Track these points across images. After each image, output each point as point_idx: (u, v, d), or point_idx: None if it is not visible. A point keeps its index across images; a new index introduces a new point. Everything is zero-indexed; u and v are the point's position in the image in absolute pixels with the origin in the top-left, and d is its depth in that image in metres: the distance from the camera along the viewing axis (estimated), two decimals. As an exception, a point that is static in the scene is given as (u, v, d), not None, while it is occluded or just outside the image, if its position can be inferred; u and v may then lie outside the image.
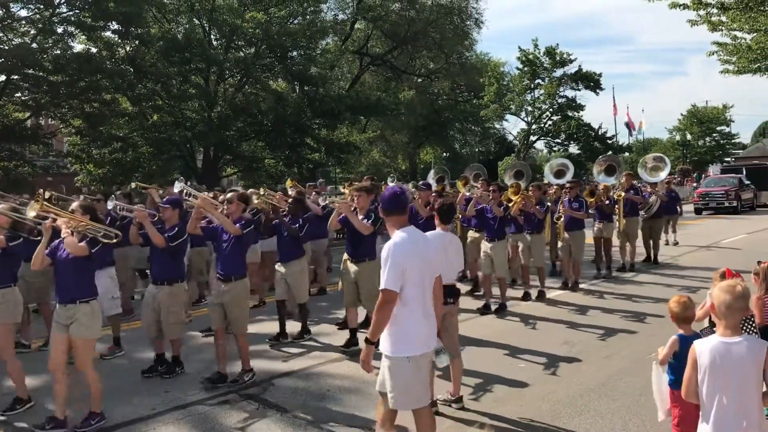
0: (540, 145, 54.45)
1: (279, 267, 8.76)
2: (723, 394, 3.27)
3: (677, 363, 4.24)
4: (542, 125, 50.39)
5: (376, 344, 4.26)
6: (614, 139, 51.55)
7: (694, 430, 3.52)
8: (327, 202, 9.72)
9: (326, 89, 28.95)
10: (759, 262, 5.37)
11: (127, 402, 6.37)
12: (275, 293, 8.92)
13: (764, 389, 3.29)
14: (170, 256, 7.16)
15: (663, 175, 15.29)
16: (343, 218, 8.04)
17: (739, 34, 18.41)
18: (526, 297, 10.93)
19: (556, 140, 51.03)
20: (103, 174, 24.85)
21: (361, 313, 8.57)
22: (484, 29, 64.85)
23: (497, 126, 54.38)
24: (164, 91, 24.87)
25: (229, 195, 7.63)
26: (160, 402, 6.35)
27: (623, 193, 13.46)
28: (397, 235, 4.31)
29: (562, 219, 11.94)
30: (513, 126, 69.23)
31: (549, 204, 12.37)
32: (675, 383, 4.22)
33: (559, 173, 14.40)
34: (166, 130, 24.83)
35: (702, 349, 3.36)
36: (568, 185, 12.45)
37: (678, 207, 17.43)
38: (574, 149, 49.96)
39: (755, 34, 17.95)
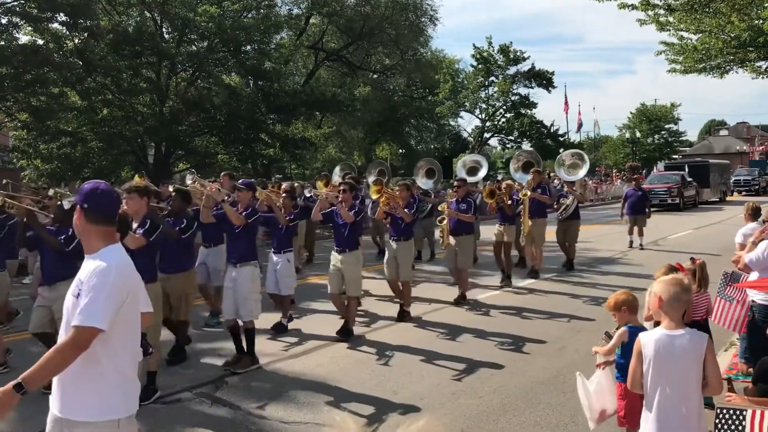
0: (494, 141, 55.22)
1: (42, 292, 6.71)
2: (666, 384, 3.38)
3: (623, 356, 4.34)
4: (496, 122, 51.11)
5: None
6: (566, 136, 52.55)
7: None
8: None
9: (281, 84, 28.68)
10: (692, 259, 5.32)
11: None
12: (34, 326, 6.63)
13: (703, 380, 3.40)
14: None
15: (582, 173, 14.15)
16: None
17: (685, 34, 18.86)
18: (401, 317, 9.39)
19: (509, 137, 51.83)
20: (51, 170, 24.18)
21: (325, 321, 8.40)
22: (438, 26, 64.97)
23: (452, 123, 54.99)
24: (114, 85, 24.28)
25: None
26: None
27: (529, 193, 12.31)
28: (114, 254, 3.07)
29: (445, 221, 10.59)
30: (468, 123, 69.92)
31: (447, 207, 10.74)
32: (623, 377, 4.32)
33: (472, 170, 13.31)
34: (117, 125, 24.27)
35: (646, 340, 3.46)
36: (455, 184, 10.93)
37: (646, 207, 16.61)
38: (526, 146, 50.74)
39: (700, 35, 18.43)
